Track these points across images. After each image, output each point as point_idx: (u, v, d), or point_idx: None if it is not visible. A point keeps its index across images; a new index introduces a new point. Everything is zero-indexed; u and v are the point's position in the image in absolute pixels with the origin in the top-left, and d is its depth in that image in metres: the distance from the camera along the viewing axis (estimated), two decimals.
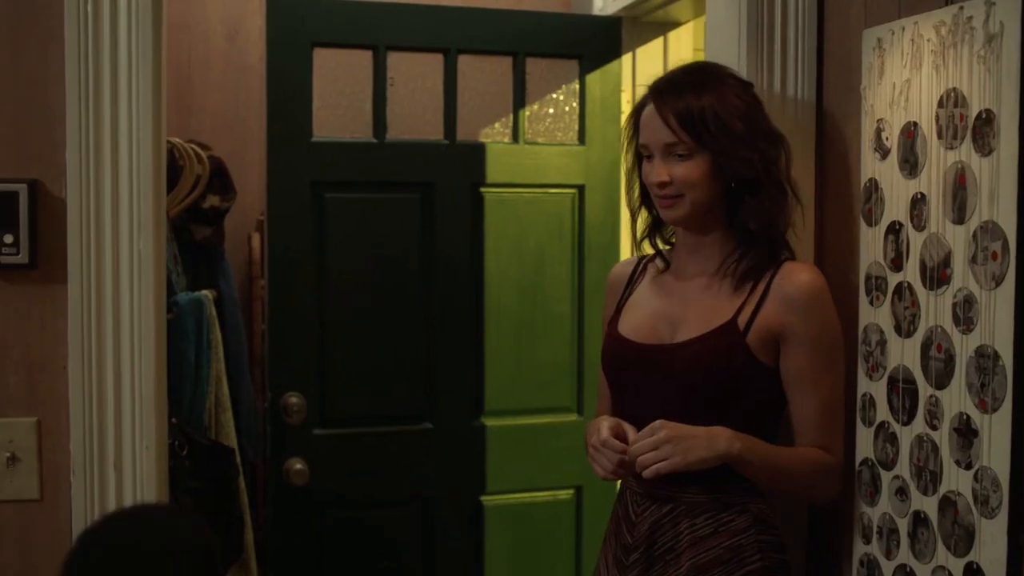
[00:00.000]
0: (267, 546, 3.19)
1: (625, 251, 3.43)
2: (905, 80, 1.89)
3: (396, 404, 3.26)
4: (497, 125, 3.33)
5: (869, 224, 2.00)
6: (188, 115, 3.69)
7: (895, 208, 1.92)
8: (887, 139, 1.94)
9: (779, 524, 2.06)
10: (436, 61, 3.24)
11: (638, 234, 2.19)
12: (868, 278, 2.01)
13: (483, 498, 3.34)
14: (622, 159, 2.44)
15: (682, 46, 3.48)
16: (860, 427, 2.04)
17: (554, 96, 3.38)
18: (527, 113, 3.33)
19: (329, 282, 3.17)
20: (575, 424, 3.36)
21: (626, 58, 3.43)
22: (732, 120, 1.97)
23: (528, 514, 3.38)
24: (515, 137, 3.32)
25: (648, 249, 2.21)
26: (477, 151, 3.27)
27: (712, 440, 1.92)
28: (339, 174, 3.16)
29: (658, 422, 1.92)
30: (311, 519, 3.17)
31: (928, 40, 1.82)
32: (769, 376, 2.02)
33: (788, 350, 2.00)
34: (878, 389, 1.98)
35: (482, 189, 3.28)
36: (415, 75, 3.24)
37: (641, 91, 3.66)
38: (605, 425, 2.00)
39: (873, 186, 1.99)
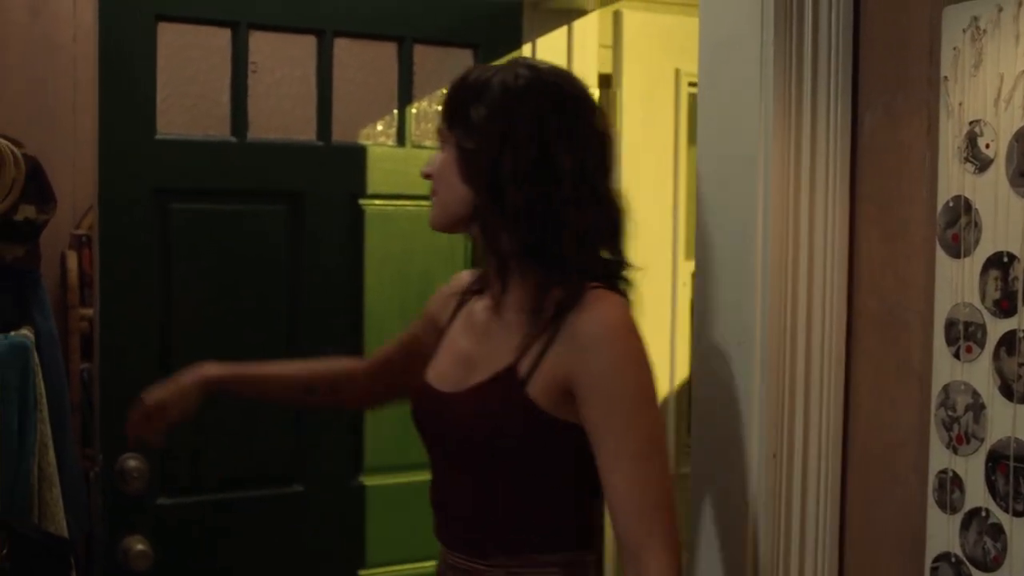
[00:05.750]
0: None
1: None
2: (1023, 71, 1.46)
3: (259, 463, 2.67)
4: (379, 124, 2.81)
5: (955, 255, 1.57)
6: None
7: (1003, 235, 1.49)
8: (988, 146, 1.51)
9: None
10: (308, 44, 2.69)
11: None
12: (951, 324, 1.57)
13: (361, 573, 2.80)
14: None
15: (588, 37, 3.03)
16: (934, 511, 1.61)
17: (446, 91, 2.84)
18: (414, 111, 2.81)
19: (176, 314, 2.56)
20: None
21: (526, 50, 2.95)
22: (478, 107, 1.67)
23: None
24: (400, 139, 2.80)
25: None
26: (356, 155, 2.74)
27: None
28: (189, 180, 2.58)
29: None
30: None
31: None
32: (574, 438, 1.61)
33: (580, 402, 1.60)
34: (968, 466, 1.55)
35: (362, 201, 2.75)
36: (283, 61, 2.68)
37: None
38: None
39: (963, 206, 1.55)
